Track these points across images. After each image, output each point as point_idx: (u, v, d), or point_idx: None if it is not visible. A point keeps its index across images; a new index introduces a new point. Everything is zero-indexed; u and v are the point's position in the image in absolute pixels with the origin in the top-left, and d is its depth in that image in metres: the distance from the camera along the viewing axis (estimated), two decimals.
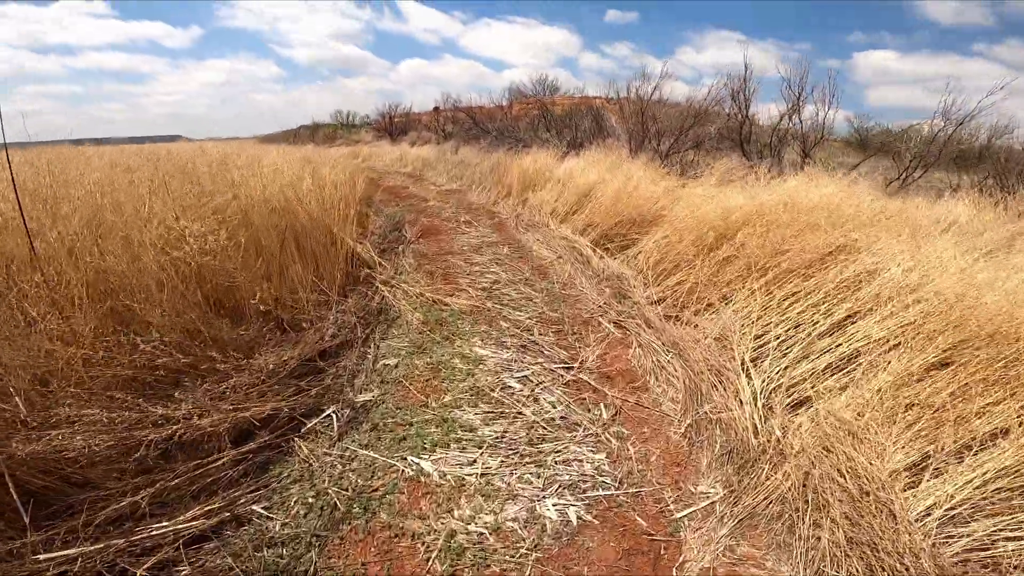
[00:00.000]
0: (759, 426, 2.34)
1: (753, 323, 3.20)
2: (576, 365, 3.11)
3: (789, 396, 2.58)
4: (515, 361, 3.14)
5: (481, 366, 3.05)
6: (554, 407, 2.66)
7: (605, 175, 6.33)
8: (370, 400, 2.71)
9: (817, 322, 2.93)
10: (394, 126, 25.28)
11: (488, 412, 2.62)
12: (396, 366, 3.05)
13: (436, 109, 23.93)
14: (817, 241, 3.36)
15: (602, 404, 2.71)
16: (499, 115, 20.45)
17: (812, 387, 2.52)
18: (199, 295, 2.59)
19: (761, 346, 3.03)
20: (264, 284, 3.09)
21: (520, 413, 2.61)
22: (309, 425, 2.44)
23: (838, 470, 1.90)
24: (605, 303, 4.13)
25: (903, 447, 1.94)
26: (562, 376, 2.98)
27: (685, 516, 1.96)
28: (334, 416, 2.53)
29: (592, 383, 2.92)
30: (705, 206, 4.35)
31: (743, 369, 2.88)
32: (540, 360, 3.17)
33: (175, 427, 2.03)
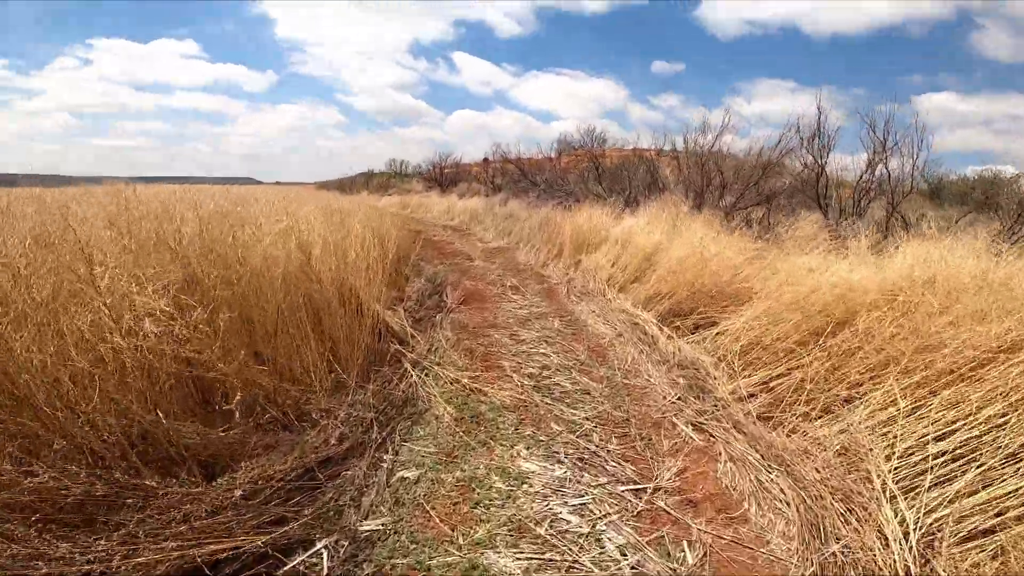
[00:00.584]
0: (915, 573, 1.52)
1: (896, 437, 2.34)
2: (649, 487, 2.35)
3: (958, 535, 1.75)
4: (569, 481, 2.40)
5: (525, 486, 2.33)
6: (623, 554, 1.91)
7: (669, 237, 5.62)
8: (378, 529, 2.02)
9: (1000, 444, 2.07)
10: (444, 176, 25.63)
11: (532, 558, 1.89)
12: (417, 481, 2.37)
13: (485, 160, 24.11)
14: (986, 333, 2.50)
15: (685, 542, 1.97)
16: (547, 167, 20.34)
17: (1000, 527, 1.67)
18: (165, 390, 2.02)
19: (911, 466, 2.20)
20: (258, 372, 2.52)
21: (576, 562, 1.87)
22: (288, 567, 1.77)
23: None
24: (680, 398, 3.35)
25: None
26: (631, 503, 2.23)
27: None
28: (325, 553, 1.86)
29: (671, 511, 2.17)
30: (808, 280, 3.55)
31: (886, 495, 2.05)
32: (602, 480, 2.43)
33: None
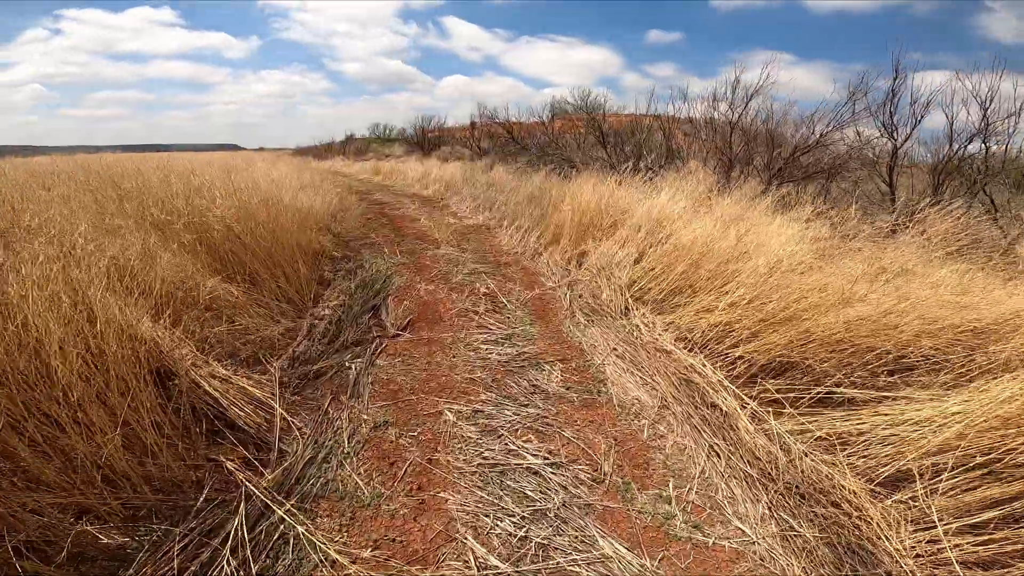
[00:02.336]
0: None
1: None
2: None
3: None
4: None
5: None
6: None
7: (723, 227, 3.70)
8: None
9: None
10: (427, 140, 23.49)
11: None
12: None
13: (472, 124, 21.99)
14: None
15: None
16: (539, 131, 18.16)
17: None
18: None
19: None
20: None
21: None
22: None
23: None
24: None
25: None
26: None
27: None
28: None
29: None
30: None
31: None
32: None
33: None
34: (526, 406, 2.58)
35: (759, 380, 2.53)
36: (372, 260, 4.74)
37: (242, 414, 2.16)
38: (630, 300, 3.66)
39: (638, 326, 3.39)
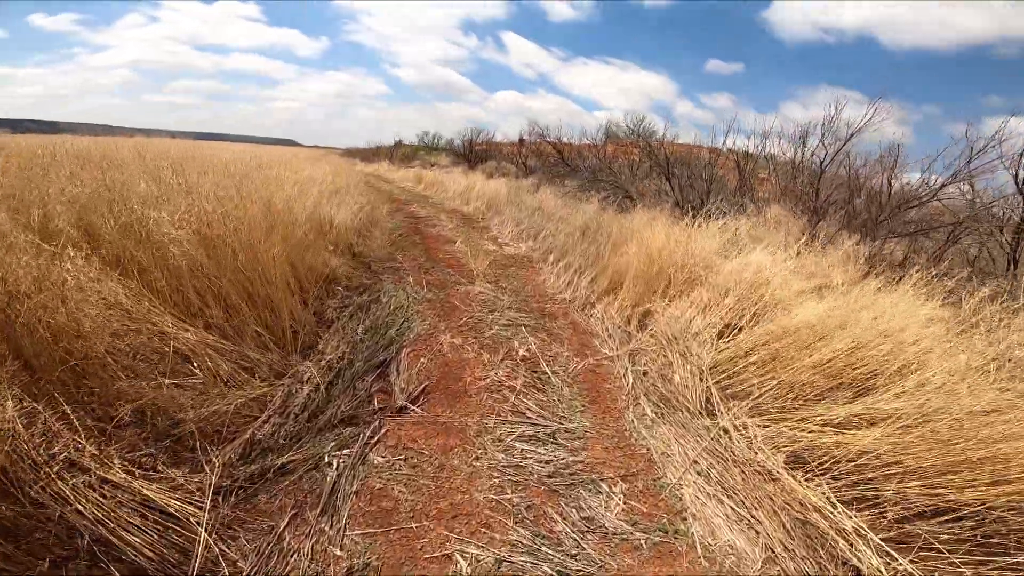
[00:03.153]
0: None
1: None
2: None
3: None
4: None
5: None
6: None
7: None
8: None
9: None
10: (474, 153, 23.13)
11: None
12: None
13: (521, 140, 21.52)
14: None
15: None
16: (590, 154, 17.44)
17: None
18: None
19: None
20: None
21: None
22: None
23: None
24: None
25: None
26: None
27: None
28: None
29: None
30: None
31: None
32: None
33: None
34: (575, 556, 1.75)
35: (916, 529, 1.61)
36: (392, 293, 3.99)
37: (137, 542, 1.39)
38: (714, 391, 2.76)
39: (727, 431, 2.49)
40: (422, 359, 2.94)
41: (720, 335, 3.17)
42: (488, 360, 3.03)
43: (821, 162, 6.67)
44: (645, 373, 3.07)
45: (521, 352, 3.18)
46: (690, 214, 5.19)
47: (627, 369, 3.12)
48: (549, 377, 2.92)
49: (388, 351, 2.92)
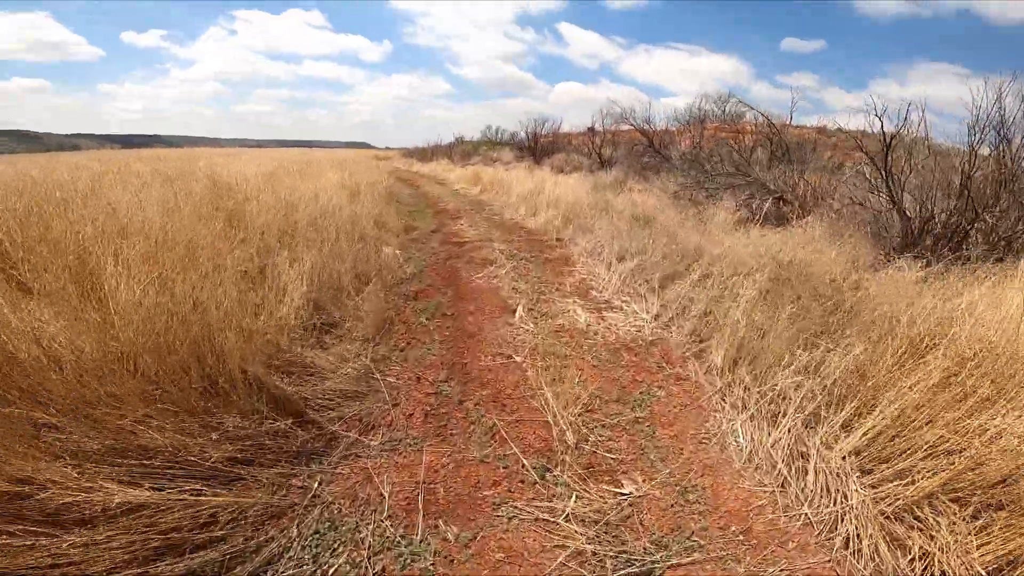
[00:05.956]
0: None
1: None
2: None
3: None
4: None
5: None
6: None
7: None
8: None
9: None
10: (539, 146, 20.35)
11: None
12: None
13: (590, 129, 18.42)
14: None
15: None
16: (679, 139, 14.03)
17: None
18: None
19: None
20: None
21: None
22: None
23: None
24: None
25: None
26: None
27: None
28: None
29: None
30: None
31: None
32: None
33: None
34: None
35: None
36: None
37: None
38: None
39: None
40: None
41: None
42: None
43: None
44: None
45: None
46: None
47: None
48: None
49: None
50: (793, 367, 2.26)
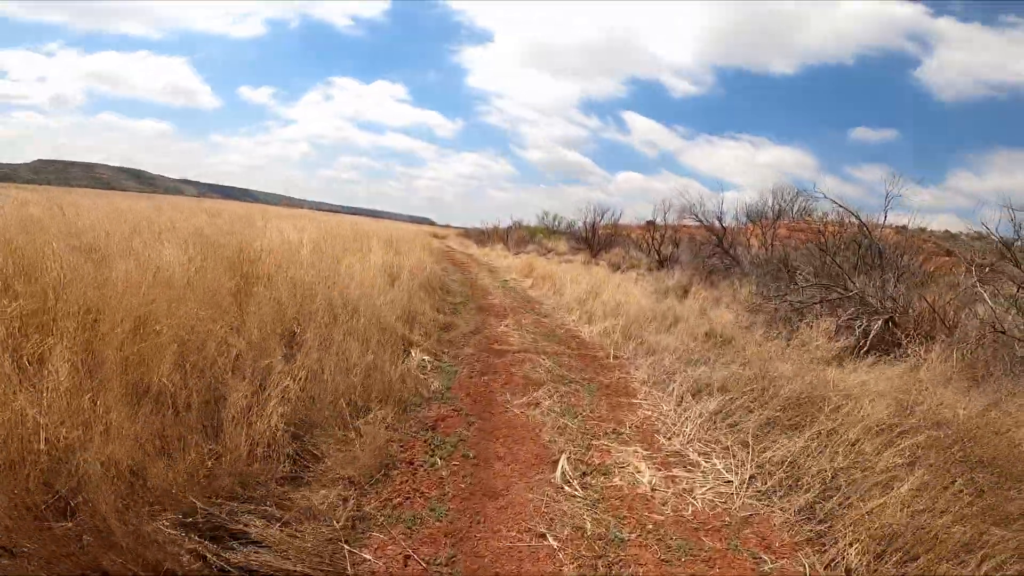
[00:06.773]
0: None
1: None
2: None
3: None
4: None
5: None
6: None
7: None
8: None
9: None
10: (597, 237, 19.86)
11: None
12: None
13: (650, 223, 17.84)
14: None
15: None
16: (744, 239, 13.09)
17: None
18: None
19: None
20: None
21: None
22: None
23: None
24: None
25: None
26: None
27: None
28: None
29: None
30: None
31: None
32: None
33: None
34: None
35: None
36: None
37: None
38: None
39: None
40: None
41: None
42: None
43: None
44: None
45: None
46: None
47: None
48: None
49: None
50: None
